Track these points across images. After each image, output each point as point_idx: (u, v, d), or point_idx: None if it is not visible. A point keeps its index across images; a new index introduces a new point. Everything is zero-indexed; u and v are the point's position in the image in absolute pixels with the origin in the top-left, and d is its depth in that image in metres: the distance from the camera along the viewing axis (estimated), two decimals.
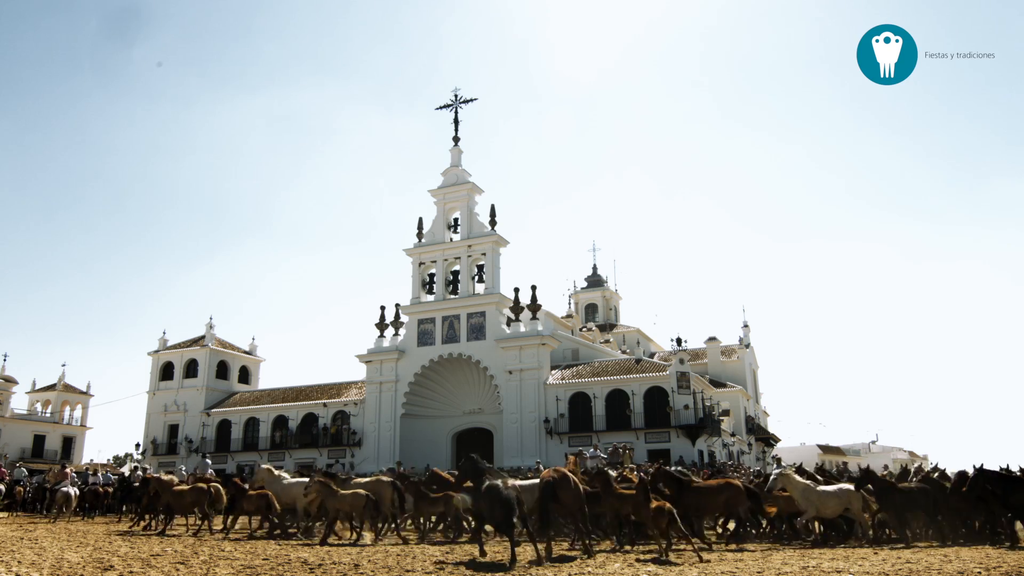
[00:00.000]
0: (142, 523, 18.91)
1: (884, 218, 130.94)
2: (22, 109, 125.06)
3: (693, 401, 39.22)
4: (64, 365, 72.18)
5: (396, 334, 46.10)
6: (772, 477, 15.41)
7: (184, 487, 18.15)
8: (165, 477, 19.97)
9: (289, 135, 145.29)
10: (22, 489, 27.34)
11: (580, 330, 58.25)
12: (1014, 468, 15.81)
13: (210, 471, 26.70)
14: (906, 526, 14.83)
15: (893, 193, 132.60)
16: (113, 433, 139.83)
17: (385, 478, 15.83)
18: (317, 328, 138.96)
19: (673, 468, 18.66)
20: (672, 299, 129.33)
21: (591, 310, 66.99)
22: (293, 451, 46.79)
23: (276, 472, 18.43)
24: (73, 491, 22.52)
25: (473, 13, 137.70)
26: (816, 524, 15.66)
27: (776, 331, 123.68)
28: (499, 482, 11.62)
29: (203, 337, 53.60)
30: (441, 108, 48.61)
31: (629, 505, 13.09)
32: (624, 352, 53.24)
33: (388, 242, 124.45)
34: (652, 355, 52.87)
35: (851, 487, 14.85)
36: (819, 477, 17.34)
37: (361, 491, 15.25)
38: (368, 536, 15.42)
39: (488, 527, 13.06)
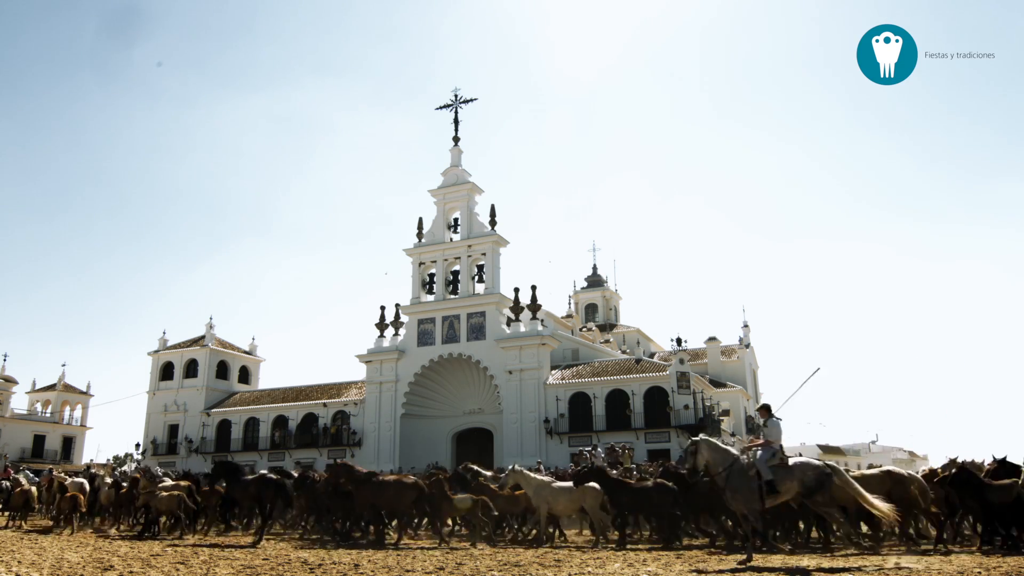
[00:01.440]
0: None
1: (884, 218, 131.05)
2: (22, 109, 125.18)
3: (693, 401, 39.21)
4: (64, 365, 72.26)
5: (396, 334, 46.10)
6: (504, 474, 15.46)
7: (25, 487, 20.87)
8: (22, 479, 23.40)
9: (289, 135, 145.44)
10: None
11: (580, 330, 58.26)
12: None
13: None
14: (630, 525, 14.96)
15: (893, 193, 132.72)
16: (113, 433, 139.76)
17: (183, 483, 17.83)
18: (317, 328, 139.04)
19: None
20: (672, 299, 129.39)
21: (591, 310, 66.98)
22: (293, 451, 46.78)
23: (56, 475, 23.02)
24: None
25: (473, 13, 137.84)
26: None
27: (776, 331, 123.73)
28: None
29: (203, 337, 53.60)
30: (441, 108, 48.66)
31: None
32: (624, 352, 53.23)
33: (388, 242, 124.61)
34: (652, 355, 52.86)
35: (590, 484, 14.70)
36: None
37: (176, 492, 16.87)
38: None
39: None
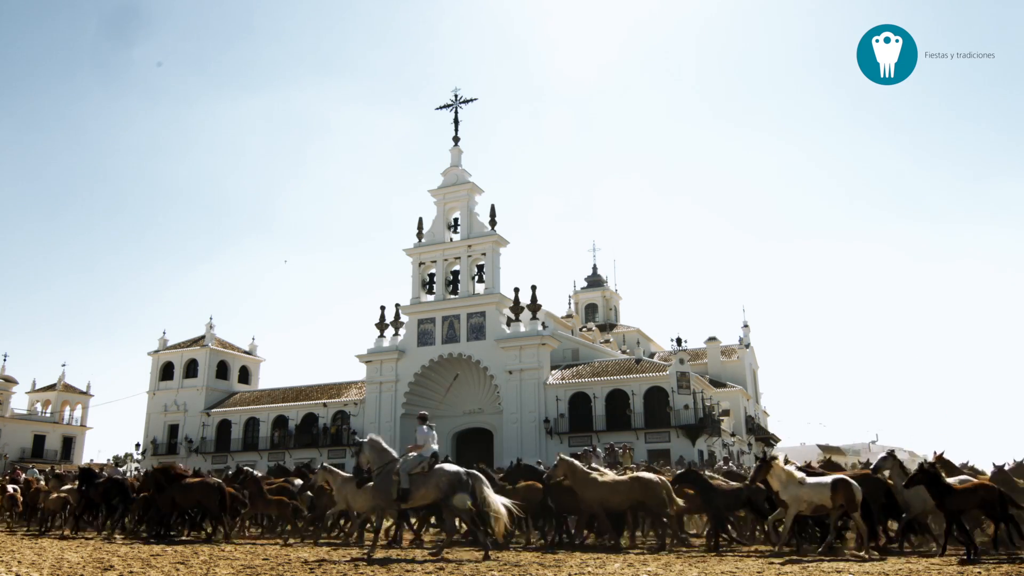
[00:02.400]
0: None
1: (884, 218, 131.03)
2: (22, 109, 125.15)
3: (693, 401, 39.20)
4: (64, 365, 72.36)
5: (396, 334, 46.10)
6: (316, 473, 16.34)
7: None
8: None
9: (289, 135, 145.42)
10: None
11: (580, 330, 58.24)
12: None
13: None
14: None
15: (893, 193, 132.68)
16: (113, 433, 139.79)
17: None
18: (317, 328, 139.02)
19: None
20: (672, 299, 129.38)
21: (591, 310, 66.96)
22: (293, 451, 46.76)
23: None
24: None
25: (472, 13, 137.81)
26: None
27: (776, 331, 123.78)
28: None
29: (203, 337, 53.59)
30: (441, 108, 48.63)
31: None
32: (624, 352, 53.21)
33: (388, 242, 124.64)
34: (652, 355, 52.85)
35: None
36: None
37: (63, 494, 18.65)
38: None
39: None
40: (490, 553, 11.62)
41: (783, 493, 12.56)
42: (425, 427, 12.80)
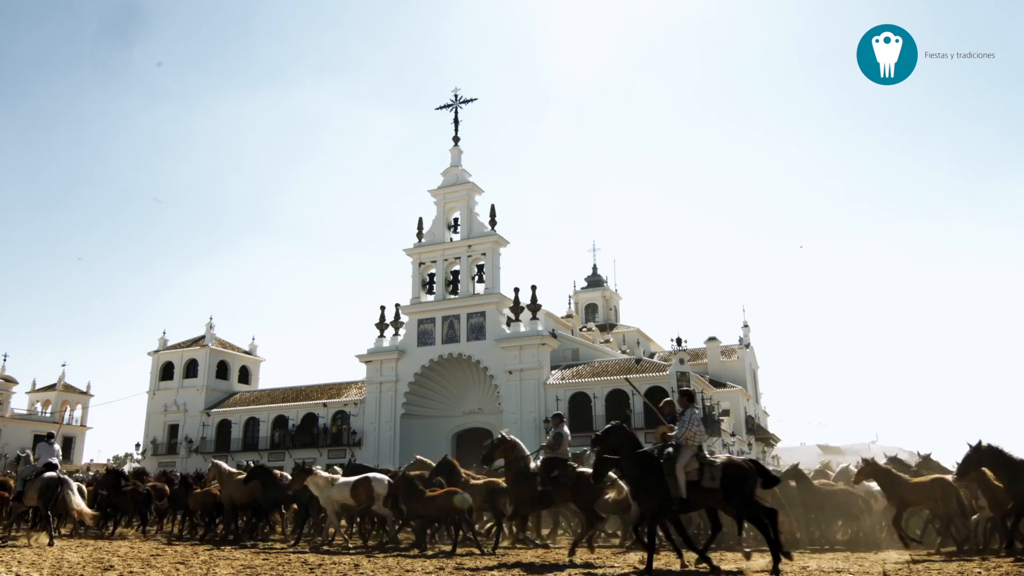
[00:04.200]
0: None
1: (884, 218, 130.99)
2: (22, 109, 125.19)
3: None
4: (64, 365, 72.13)
5: (396, 334, 46.12)
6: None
7: None
8: None
9: (289, 135, 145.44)
10: None
11: (580, 330, 58.26)
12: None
13: None
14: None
15: (893, 193, 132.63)
16: (113, 433, 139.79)
17: None
18: (317, 328, 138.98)
19: None
20: (672, 299, 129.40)
21: (591, 310, 66.98)
22: (293, 451, 46.76)
23: None
24: None
25: (473, 12, 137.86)
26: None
27: (776, 331, 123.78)
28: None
29: (203, 337, 53.60)
30: (441, 108, 48.68)
31: None
32: (624, 352, 53.22)
33: (388, 242, 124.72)
34: (652, 355, 52.84)
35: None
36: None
37: None
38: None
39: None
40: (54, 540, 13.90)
41: (320, 497, 13.98)
42: (48, 444, 15.01)
